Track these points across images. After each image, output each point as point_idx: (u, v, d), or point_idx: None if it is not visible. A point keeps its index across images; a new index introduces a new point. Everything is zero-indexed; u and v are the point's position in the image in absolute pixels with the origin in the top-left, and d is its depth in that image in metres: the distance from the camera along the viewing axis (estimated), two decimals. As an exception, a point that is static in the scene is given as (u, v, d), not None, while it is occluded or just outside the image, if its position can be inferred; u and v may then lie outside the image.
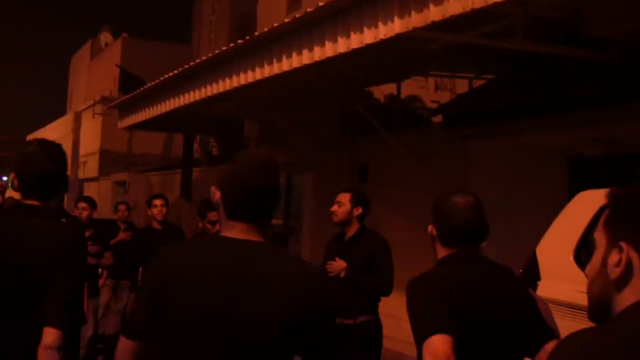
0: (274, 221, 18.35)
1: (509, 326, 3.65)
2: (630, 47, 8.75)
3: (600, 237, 2.11)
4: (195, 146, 23.01)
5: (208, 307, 2.81)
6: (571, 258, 5.82)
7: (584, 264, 5.75)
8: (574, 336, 1.97)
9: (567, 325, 5.40)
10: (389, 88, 14.72)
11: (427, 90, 15.83)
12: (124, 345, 3.00)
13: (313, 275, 3.00)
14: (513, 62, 10.69)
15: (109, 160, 29.32)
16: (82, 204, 10.32)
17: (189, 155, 21.06)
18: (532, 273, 6.18)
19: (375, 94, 15.04)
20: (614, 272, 1.99)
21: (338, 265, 6.98)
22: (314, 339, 2.88)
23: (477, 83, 13.23)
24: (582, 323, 5.49)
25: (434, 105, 14.41)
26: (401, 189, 13.10)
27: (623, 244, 1.98)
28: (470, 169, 11.59)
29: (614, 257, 2.00)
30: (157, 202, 10.14)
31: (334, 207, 7.16)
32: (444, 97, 15.39)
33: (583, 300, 5.42)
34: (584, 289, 5.60)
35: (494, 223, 5.61)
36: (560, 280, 5.72)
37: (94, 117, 30.08)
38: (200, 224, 8.20)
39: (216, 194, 3.06)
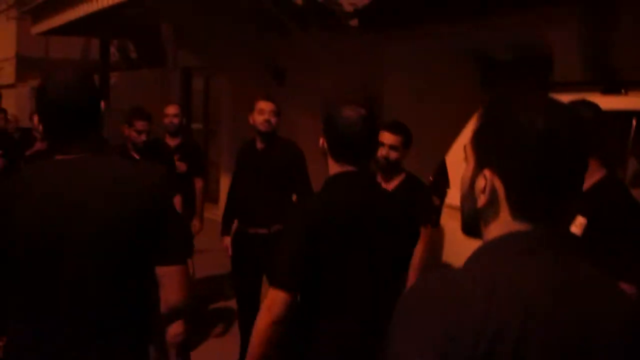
0: (194, 125, 18.28)
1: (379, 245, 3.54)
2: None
3: (469, 152, 1.95)
4: (113, 50, 22.58)
5: (46, 228, 2.86)
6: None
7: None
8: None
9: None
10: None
11: (345, -8, 15.72)
12: None
13: (142, 172, 3.09)
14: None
15: (25, 66, 28.65)
16: None
17: (106, 60, 20.65)
18: (442, 181, 6.25)
19: (293, -6, 14.89)
20: (480, 200, 1.87)
21: None
22: (157, 231, 2.96)
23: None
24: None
25: (352, 8, 14.32)
26: (317, 91, 13.06)
27: (487, 172, 1.84)
28: (383, 74, 11.60)
29: (480, 183, 1.87)
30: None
31: (266, 116, 7.03)
32: (362, -1, 15.30)
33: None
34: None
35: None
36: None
37: (7, 20, 29.26)
38: (126, 131, 7.96)
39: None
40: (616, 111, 4.80)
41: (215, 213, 14.05)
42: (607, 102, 4.33)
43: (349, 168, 3.59)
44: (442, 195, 6.23)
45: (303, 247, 3.38)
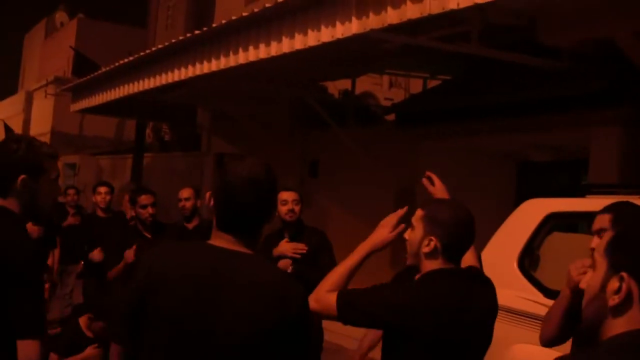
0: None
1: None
2: (579, 56, 8.89)
3: (600, 260, 2.15)
4: (148, 131, 22.87)
5: (186, 313, 2.85)
6: (515, 265, 5.91)
7: (527, 272, 5.86)
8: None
9: (505, 328, 5.53)
10: (344, 84, 14.79)
11: (381, 87, 15.96)
12: (115, 348, 3.15)
13: (286, 282, 3.03)
14: (468, 64, 10.79)
15: (60, 142, 28.96)
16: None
17: (140, 141, 20.90)
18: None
19: (330, 89, 15.09)
20: (613, 300, 2.06)
21: (284, 262, 7.00)
22: (288, 343, 2.90)
23: (432, 83, 13.35)
24: (519, 327, 5.59)
25: (388, 103, 14.53)
26: (350, 185, 13.15)
27: (624, 275, 2.05)
28: (419, 169, 11.67)
29: (613, 285, 2.07)
30: (101, 189, 10.22)
31: (290, 205, 7.05)
32: (398, 95, 15.50)
33: (523, 306, 5.56)
34: (525, 295, 5.70)
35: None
36: (503, 286, 5.79)
37: (46, 97, 29.70)
38: (133, 211, 8.12)
39: (211, 201, 3.09)
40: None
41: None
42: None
43: (451, 265, 3.62)
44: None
45: None
